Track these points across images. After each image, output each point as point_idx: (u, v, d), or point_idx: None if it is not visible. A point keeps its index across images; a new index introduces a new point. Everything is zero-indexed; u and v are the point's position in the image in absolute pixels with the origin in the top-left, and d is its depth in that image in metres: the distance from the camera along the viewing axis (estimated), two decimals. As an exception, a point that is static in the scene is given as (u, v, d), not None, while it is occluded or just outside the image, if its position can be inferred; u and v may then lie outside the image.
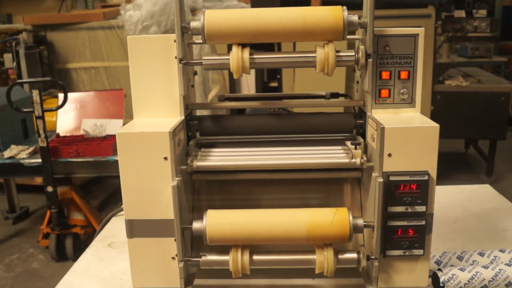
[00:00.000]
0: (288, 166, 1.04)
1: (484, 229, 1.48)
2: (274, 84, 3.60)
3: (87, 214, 2.86)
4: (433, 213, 1.02)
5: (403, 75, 1.07)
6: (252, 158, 1.06)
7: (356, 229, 0.98)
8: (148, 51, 1.06)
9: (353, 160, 1.02)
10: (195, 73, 1.22)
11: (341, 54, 1.03)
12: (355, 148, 1.04)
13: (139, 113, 1.09)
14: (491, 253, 1.19)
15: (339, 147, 1.12)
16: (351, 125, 1.14)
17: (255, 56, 1.03)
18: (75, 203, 2.85)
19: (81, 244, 2.87)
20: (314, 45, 1.04)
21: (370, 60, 1.02)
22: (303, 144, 1.15)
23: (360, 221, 0.99)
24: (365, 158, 1.02)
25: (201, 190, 1.20)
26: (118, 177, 1.01)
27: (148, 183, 0.99)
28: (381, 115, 1.06)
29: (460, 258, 1.19)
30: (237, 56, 1.01)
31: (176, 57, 1.03)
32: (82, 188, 3.20)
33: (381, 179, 0.96)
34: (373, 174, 1.00)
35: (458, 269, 1.10)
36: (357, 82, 1.19)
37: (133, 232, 1.01)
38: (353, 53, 1.04)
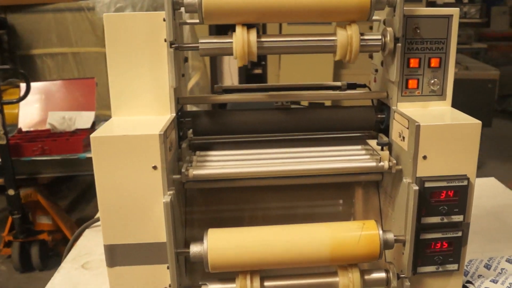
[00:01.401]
0: (305, 172, 0.89)
1: (500, 228, 1.40)
2: (258, 71, 3.44)
3: (55, 218, 2.64)
4: (469, 223, 0.89)
5: (434, 62, 0.93)
6: (258, 164, 0.91)
7: (386, 245, 0.85)
8: (130, 33, 0.89)
9: (381, 163, 0.88)
10: (186, 59, 1.05)
11: (366, 37, 0.89)
12: (382, 149, 0.90)
13: (119, 109, 0.92)
14: (520, 259, 1.10)
15: (359, 147, 0.98)
16: (371, 121, 1.00)
17: (263, 39, 0.87)
18: (41, 206, 2.62)
19: (48, 251, 2.65)
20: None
21: (399, 44, 0.88)
22: (317, 143, 1.00)
23: (390, 236, 0.85)
24: (394, 161, 0.88)
25: (194, 199, 1.04)
26: (91, 175, 0.84)
27: (133, 199, 0.83)
28: (409, 109, 0.93)
29: (487, 266, 1.10)
30: (242, 39, 0.85)
31: (165, 40, 0.87)
32: (49, 188, 2.97)
33: (416, 187, 0.82)
34: (404, 180, 0.87)
35: (490, 281, 1.00)
36: (376, 71, 1.05)
37: (114, 260, 0.85)
38: (380, 37, 0.89)
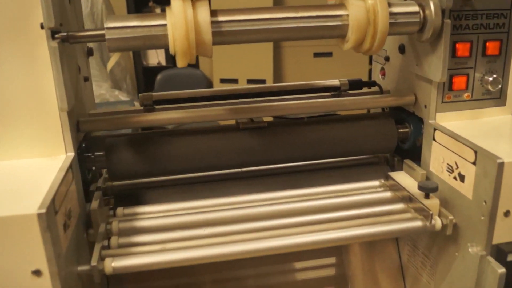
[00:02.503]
0: (315, 244, 0.54)
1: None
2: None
3: None
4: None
5: (492, 48, 0.62)
6: (229, 233, 0.55)
7: None
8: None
9: (432, 222, 0.55)
10: (90, 52, 0.66)
11: (395, 10, 0.55)
12: (426, 196, 0.57)
13: (-31, 150, 0.53)
14: None
15: (377, 184, 0.65)
16: (392, 141, 0.67)
17: (222, 19, 0.51)
18: None
19: None
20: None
21: (448, 21, 0.56)
22: (311, 181, 0.66)
23: None
24: (451, 217, 0.56)
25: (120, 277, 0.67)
26: None
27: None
28: (455, 123, 0.62)
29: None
30: (184, 20, 0.48)
31: (42, 26, 0.48)
32: None
33: (502, 270, 0.50)
34: (471, 250, 0.55)
35: None
36: (386, 59, 0.72)
37: None
38: (417, 9, 0.55)
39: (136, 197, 0.64)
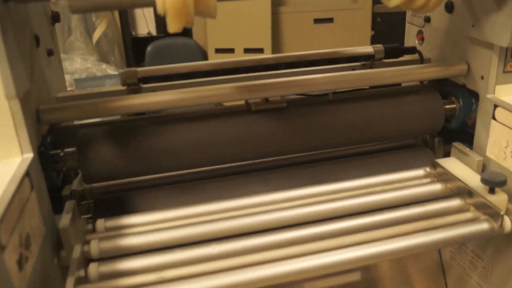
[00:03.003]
0: (365, 260, 0.43)
1: None
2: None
3: None
4: None
5: None
6: (248, 250, 0.42)
7: None
8: None
9: (502, 225, 0.42)
10: (56, 17, 0.52)
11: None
12: (491, 191, 0.44)
13: None
14: None
15: (421, 173, 0.52)
16: (438, 120, 0.54)
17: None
18: None
19: None
20: None
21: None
22: (334, 169, 0.53)
23: None
24: (526, 218, 0.43)
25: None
26: None
27: None
28: (515, 98, 0.48)
29: None
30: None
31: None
32: None
33: None
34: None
35: None
36: (427, 20, 0.57)
37: None
38: None
39: (122, 201, 0.50)
